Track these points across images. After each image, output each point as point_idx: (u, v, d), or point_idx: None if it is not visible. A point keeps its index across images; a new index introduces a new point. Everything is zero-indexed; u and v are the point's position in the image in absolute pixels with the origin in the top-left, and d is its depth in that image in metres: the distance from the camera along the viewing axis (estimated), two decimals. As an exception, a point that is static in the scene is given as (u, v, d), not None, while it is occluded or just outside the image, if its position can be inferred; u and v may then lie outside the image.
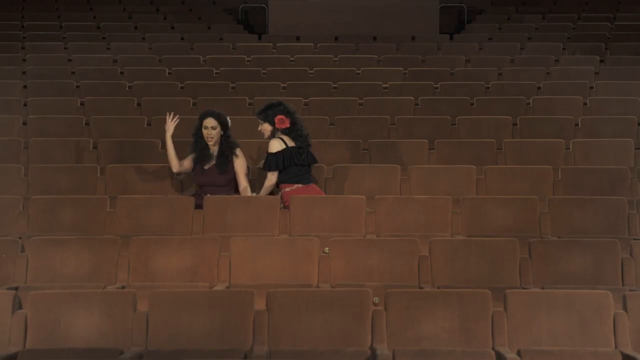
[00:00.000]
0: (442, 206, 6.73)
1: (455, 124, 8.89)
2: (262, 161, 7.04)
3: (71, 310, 4.87)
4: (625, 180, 7.46)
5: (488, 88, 10.19)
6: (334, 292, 5.08)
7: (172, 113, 7.08)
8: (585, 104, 9.55)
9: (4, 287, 5.52)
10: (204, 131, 6.88)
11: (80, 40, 12.25)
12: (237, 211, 6.65)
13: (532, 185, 7.38)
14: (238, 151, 6.91)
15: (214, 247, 5.94)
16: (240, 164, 6.90)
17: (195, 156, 6.95)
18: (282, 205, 6.85)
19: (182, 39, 12.60)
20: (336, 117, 8.97)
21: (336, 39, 12.76)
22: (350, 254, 5.89)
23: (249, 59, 11.46)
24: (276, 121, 6.88)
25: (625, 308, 4.95)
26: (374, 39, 12.75)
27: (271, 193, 6.99)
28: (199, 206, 6.73)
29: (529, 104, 9.56)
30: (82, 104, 9.64)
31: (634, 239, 6.34)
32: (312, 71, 10.78)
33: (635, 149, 8.26)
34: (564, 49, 11.86)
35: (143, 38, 12.60)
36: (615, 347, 4.82)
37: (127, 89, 10.18)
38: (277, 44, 12.25)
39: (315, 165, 7.15)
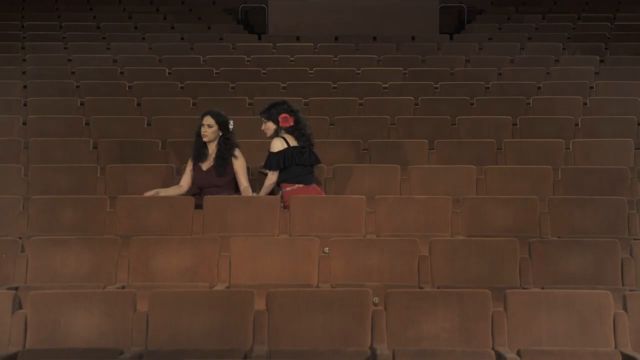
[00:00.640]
0: (442, 206, 6.73)
1: (455, 124, 8.89)
2: (264, 160, 7.04)
3: (71, 310, 4.86)
4: (625, 180, 7.46)
5: (488, 88, 10.19)
6: (334, 292, 5.08)
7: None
8: (585, 104, 9.55)
9: (4, 287, 5.51)
10: (201, 128, 6.89)
11: (80, 40, 12.25)
12: (237, 211, 6.65)
13: (532, 185, 7.37)
14: (237, 152, 6.90)
15: (214, 247, 5.94)
16: (239, 165, 6.89)
17: (193, 155, 6.94)
18: (283, 204, 6.84)
19: (182, 39, 12.60)
20: (336, 117, 8.97)
21: (336, 39, 12.76)
22: (350, 254, 5.89)
23: (249, 59, 11.46)
24: (280, 120, 6.87)
25: (625, 308, 4.95)
26: (374, 39, 12.75)
27: (272, 192, 6.99)
28: (198, 206, 6.73)
29: (529, 104, 9.56)
30: (82, 104, 9.64)
31: (634, 239, 6.34)
32: (312, 71, 10.78)
33: (635, 149, 8.26)
34: (564, 49, 11.86)
35: (143, 38, 12.60)
36: (615, 347, 4.82)
37: (127, 89, 10.18)
38: (277, 44, 12.25)
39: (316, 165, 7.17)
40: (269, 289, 5.06)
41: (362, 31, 13.05)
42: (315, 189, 6.97)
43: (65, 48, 11.91)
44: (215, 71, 10.78)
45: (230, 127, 6.91)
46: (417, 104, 9.54)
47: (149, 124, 8.92)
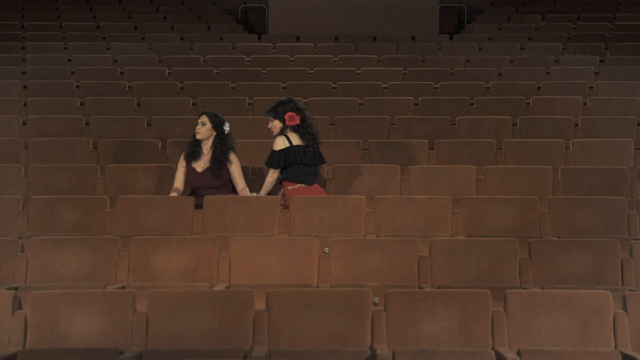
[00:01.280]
0: (442, 206, 6.73)
1: (455, 124, 8.90)
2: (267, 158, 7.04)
3: (71, 310, 4.86)
4: (625, 180, 7.46)
5: (488, 88, 10.20)
6: (334, 292, 5.08)
7: None
8: (585, 104, 9.55)
9: (4, 287, 5.51)
10: (196, 125, 6.90)
11: (80, 40, 12.26)
12: (237, 211, 6.65)
13: (532, 185, 7.38)
14: (232, 157, 6.88)
15: (213, 247, 5.94)
16: (235, 169, 6.89)
17: (186, 152, 6.93)
18: (283, 203, 6.84)
19: (182, 39, 12.61)
20: (336, 117, 8.98)
21: (336, 39, 12.76)
22: (350, 254, 5.88)
23: (249, 59, 11.46)
24: (286, 118, 6.87)
25: (625, 308, 4.95)
26: (374, 39, 12.76)
27: (274, 191, 6.99)
28: (198, 206, 6.73)
29: (529, 104, 9.56)
30: (81, 104, 9.64)
31: (634, 239, 6.35)
32: (312, 71, 10.78)
33: (635, 149, 8.27)
34: (564, 49, 11.86)
35: (143, 38, 12.60)
36: (615, 347, 4.81)
37: (127, 89, 10.18)
38: (277, 44, 12.25)
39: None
40: (269, 289, 5.06)
41: (362, 31, 13.05)
42: (317, 190, 6.96)
43: (65, 48, 11.91)
44: (215, 71, 10.78)
45: (226, 129, 6.89)
46: (417, 104, 9.54)
47: (149, 124, 8.92)
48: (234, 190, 6.95)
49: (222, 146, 6.85)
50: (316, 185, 6.99)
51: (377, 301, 5.31)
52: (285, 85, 10.12)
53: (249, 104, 9.53)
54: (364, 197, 6.78)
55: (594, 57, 11.29)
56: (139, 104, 9.55)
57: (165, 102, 9.58)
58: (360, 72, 10.78)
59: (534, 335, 4.86)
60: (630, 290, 5.35)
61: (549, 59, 11.28)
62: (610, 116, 9.11)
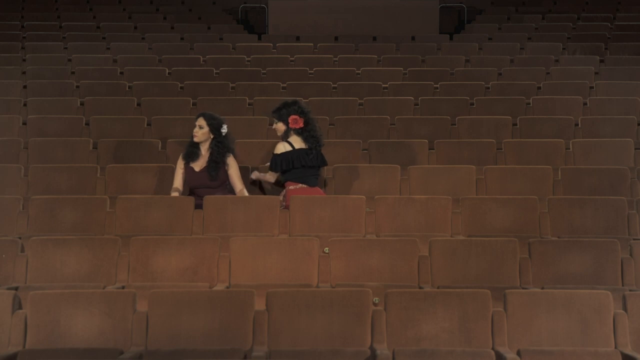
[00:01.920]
0: (442, 206, 6.73)
1: (455, 124, 8.89)
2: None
3: (71, 310, 4.86)
4: (625, 180, 7.46)
5: (488, 88, 10.19)
6: (334, 292, 5.08)
7: None
8: (585, 104, 9.55)
9: (4, 287, 5.51)
10: (194, 128, 6.91)
11: (80, 40, 12.25)
12: (237, 211, 6.65)
13: (532, 185, 7.38)
14: (230, 160, 6.89)
15: (213, 247, 5.94)
16: (233, 172, 6.90)
17: (184, 153, 6.95)
18: (284, 204, 6.85)
19: (182, 39, 12.60)
20: (336, 117, 8.98)
21: (336, 39, 12.76)
22: (350, 254, 5.88)
23: (249, 59, 11.46)
24: (290, 121, 6.89)
25: (625, 308, 4.95)
26: (374, 39, 12.75)
27: (275, 191, 7.01)
28: (198, 206, 6.73)
29: (529, 104, 9.56)
30: (81, 104, 9.64)
31: (634, 239, 6.34)
32: (312, 71, 10.78)
33: (635, 149, 8.26)
34: (564, 49, 11.86)
35: (143, 38, 12.60)
36: (615, 347, 4.82)
37: (127, 89, 10.18)
38: (277, 44, 12.25)
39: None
40: (269, 289, 5.06)
41: (362, 31, 13.05)
42: (318, 191, 6.97)
43: (65, 48, 11.91)
44: (215, 71, 10.78)
45: (223, 131, 6.89)
46: (417, 104, 9.54)
47: (149, 124, 8.92)
48: (231, 191, 6.95)
49: (219, 149, 6.86)
50: (317, 187, 7.00)
51: (377, 301, 5.31)
52: (285, 85, 10.12)
53: (249, 104, 9.53)
54: (364, 197, 6.79)
55: (594, 57, 11.29)
56: (139, 104, 9.55)
57: (165, 102, 9.57)
58: (360, 72, 10.78)
59: (534, 335, 4.86)
60: (630, 290, 5.35)
61: (549, 59, 11.28)
62: (610, 116, 9.11)
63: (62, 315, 4.86)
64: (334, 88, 10.14)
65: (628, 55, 11.44)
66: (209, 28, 13.31)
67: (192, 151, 6.91)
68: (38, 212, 6.79)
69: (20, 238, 6.24)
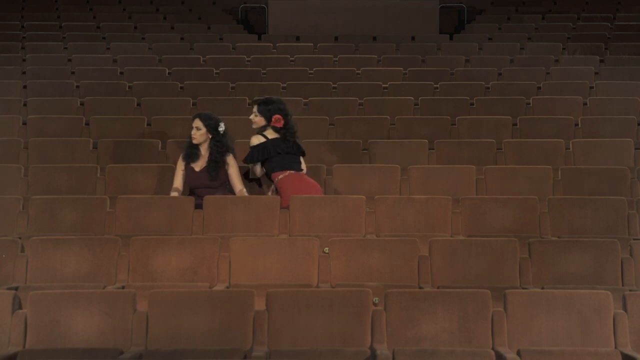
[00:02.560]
0: (442, 206, 6.73)
1: (455, 124, 8.89)
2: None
3: (71, 310, 4.86)
4: (625, 180, 7.46)
5: (488, 88, 10.19)
6: (334, 292, 5.08)
7: None
8: (585, 104, 9.55)
9: (4, 287, 5.51)
10: (191, 130, 6.92)
11: (80, 40, 12.25)
12: (236, 211, 6.65)
13: (532, 185, 7.38)
14: (230, 159, 6.88)
15: (213, 247, 5.94)
16: (233, 171, 6.89)
17: (184, 154, 6.95)
18: (277, 194, 6.83)
19: (182, 39, 12.60)
20: (336, 117, 8.97)
21: (336, 39, 12.76)
22: (350, 254, 5.88)
23: (249, 59, 11.46)
24: (273, 119, 6.90)
25: (625, 308, 4.95)
26: (374, 39, 12.75)
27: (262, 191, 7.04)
28: (198, 206, 6.73)
29: (529, 104, 9.56)
30: (81, 104, 9.64)
31: (634, 239, 6.34)
32: (312, 71, 10.78)
33: (635, 149, 8.26)
34: (564, 49, 11.86)
35: (143, 38, 12.60)
36: (615, 347, 4.82)
37: (127, 89, 10.18)
38: (277, 44, 12.25)
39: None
40: (269, 289, 5.06)
41: (362, 31, 13.05)
42: (305, 177, 6.94)
43: (65, 48, 11.91)
44: (215, 71, 10.78)
45: (221, 130, 6.89)
46: (417, 104, 9.54)
47: (149, 124, 8.92)
48: (231, 191, 6.95)
49: (218, 148, 6.86)
50: (302, 173, 6.96)
51: (377, 301, 5.31)
52: (285, 85, 10.12)
53: (249, 104, 9.52)
54: (364, 197, 6.78)
55: (594, 57, 11.29)
56: (139, 104, 9.55)
57: (165, 102, 9.57)
58: (360, 72, 10.78)
59: (534, 335, 4.86)
60: (630, 290, 5.35)
61: (549, 59, 11.28)
62: (610, 116, 9.11)
63: (62, 315, 4.86)
64: (334, 88, 10.14)
65: (628, 55, 11.44)
66: (209, 28, 13.31)
67: (191, 152, 6.92)
68: (38, 212, 6.79)
69: (20, 238, 6.24)
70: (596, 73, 10.75)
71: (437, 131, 8.71)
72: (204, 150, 6.92)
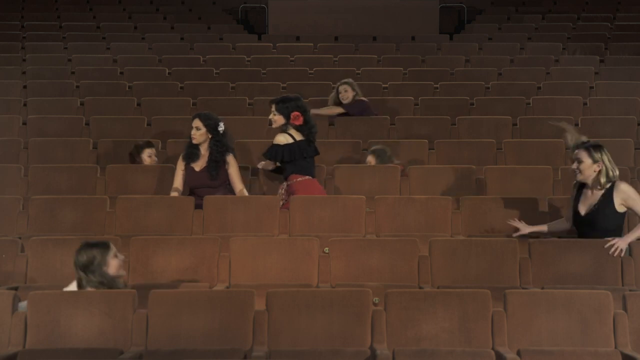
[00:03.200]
0: (442, 206, 6.73)
1: (455, 124, 8.90)
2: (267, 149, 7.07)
3: (71, 310, 4.86)
4: (625, 180, 7.45)
5: (488, 88, 10.20)
6: (334, 292, 5.08)
7: None
8: (585, 104, 9.55)
9: (4, 287, 5.51)
10: (191, 130, 6.92)
11: (80, 40, 12.26)
12: (236, 211, 6.65)
13: (532, 185, 7.37)
14: (229, 159, 6.88)
15: (213, 247, 5.94)
16: (233, 171, 6.89)
17: (184, 154, 6.95)
18: (285, 198, 6.83)
19: (182, 39, 12.61)
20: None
21: (336, 39, 12.76)
22: (350, 254, 5.88)
23: (249, 59, 11.46)
24: (291, 117, 6.88)
25: (625, 308, 4.94)
26: (374, 39, 12.76)
27: (272, 190, 7.04)
28: (198, 206, 6.73)
29: (529, 104, 9.56)
30: (81, 104, 9.64)
31: (634, 239, 6.33)
32: (312, 71, 10.78)
33: (635, 149, 8.27)
34: (564, 49, 11.87)
35: (143, 38, 12.61)
36: (615, 347, 4.81)
37: (127, 89, 10.19)
38: (277, 44, 12.25)
39: (316, 165, 7.18)
40: (269, 289, 5.06)
41: (362, 31, 13.05)
42: (317, 185, 6.99)
43: (65, 48, 11.92)
44: (215, 71, 10.78)
45: (220, 129, 6.88)
46: (417, 104, 9.54)
47: (149, 124, 8.92)
48: (231, 191, 6.95)
49: (218, 148, 6.86)
50: (316, 180, 7.02)
51: (377, 301, 5.31)
52: (285, 85, 10.12)
53: (249, 104, 9.53)
54: (364, 197, 6.78)
55: (594, 57, 11.29)
56: (139, 104, 9.55)
57: (165, 102, 9.58)
58: (360, 72, 10.78)
59: (534, 335, 4.86)
60: (630, 290, 5.35)
61: (549, 59, 11.28)
62: (610, 116, 9.11)
63: (62, 315, 4.85)
64: (334, 88, 10.13)
65: (628, 55, 11.44)
66: (209, 28, 13.32)
67: (191, 152, 6.91)
68: (38, 212, 6.79)
69: (20, 238, 6.24)
70: (596, 73, 10.75)
71: (437, 131, 8.71)
72: (204, 150, 6.92)
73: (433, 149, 8.19)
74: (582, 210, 5.97)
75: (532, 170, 7.54)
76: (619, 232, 5.93)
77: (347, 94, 8.88)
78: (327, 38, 12.71)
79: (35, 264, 5.89)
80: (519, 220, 6.31)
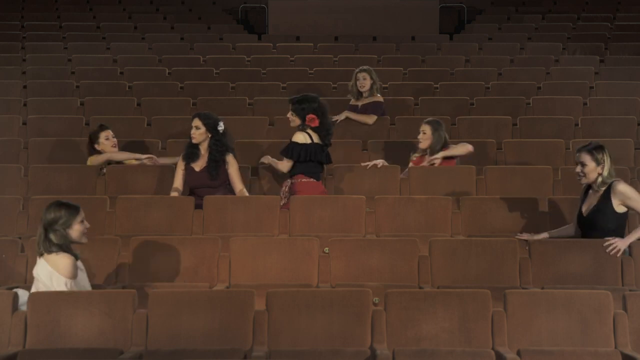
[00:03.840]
0: (442, 206, 6.73)
1: (455, 124, 8.89)
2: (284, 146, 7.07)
3: (71, 310, 4.86)
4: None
5: (488, 88, 10.20)
6: (334, 292, 5.08)
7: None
8: (585, 104, 9.55)
9: (4, 287, 5.51)
10: (191, 130, 6.92)
11: (80, 40, 12.26)
12: (237, 211, 6.65)
13: (532, 185, 7.37)
14: (229, 158, 6.88)
15: (213, 247, 5.94)
16: (232, 171, 6.89)
17: (184, 154, 6.95)
18: (288, 196, 6.82)
19: (182, 39, 12.61)
20: (336, 117, 8.97)
21: (336, 39, 12.76)
22: (350, 254, 5.88)
23: (249, 59, 11.46)
24: (307, 119, 6.88)
25: (625, 308, 4.94)
26: (374, 39, 12.76)
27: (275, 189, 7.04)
28: (198, 206, 6.73)
29: (529, 104, 9.56)
30: (82, 104, 9.64)
31: (634, 239, 6.33)
32: (312, 71, 10.78)
33: (635, 149, 8.27)
34: (564, 49, 11.87)
35: (143, 38, 12.61)
36: (615, 347, 4.81)
37: (127, 89, 10.19)
38: (277, 44, 12.25)
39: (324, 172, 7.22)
40: (269, 289, 5.06)
41: (362, 31, 13.05)
42: (321, 187, 7.01)
43: (65, 48, 11.92)
44: (215, 71, 10.78)
45: (220, 129, 6.88)
46: (417, 104, 9.54)
47: (149, 124, 8.92)
48: (231, 191, 6.95)
49: (218, 147, 6.86)
50: (320, 183, 7.03)
51: (377, 301, 5.31)
52: (285, 85, 10.12)
53: (249, 104, 9.53)
54: (364, 197, 6.78)
55: (594, 57, 11.29)
56: (139, 104, 9.55)
57: (165, 102, 9.58)
58: (360, 72, 10.76)
59: (534, 335, 4.86)
60: (630, 290, 5.35)
61: (549, 59, 11.28)
62: (610, 116, 9.11)
63: (62, 315, 4.85)
64: (334, 88, 10.14)
65: (628, 55, 11.45)
66: (209, 28, 13.32)
67: (191, 152, 6.91)
68: (38, 212, 6.73)
69: (20, 238, 6.24)
70: (596, 73, 10.75)
71: (437, 131, 8.70)
72: (204, 150, 6.91)
73: (433, 149, 8.18)
74: (584, 210, 5.98)
75: (532, 170, 7.55)
76: (620, 232, 5.93)
77: (365, 82, 8.76)
78: (327, 38, 12.72)
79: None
80: (522, 233, 6.31)
